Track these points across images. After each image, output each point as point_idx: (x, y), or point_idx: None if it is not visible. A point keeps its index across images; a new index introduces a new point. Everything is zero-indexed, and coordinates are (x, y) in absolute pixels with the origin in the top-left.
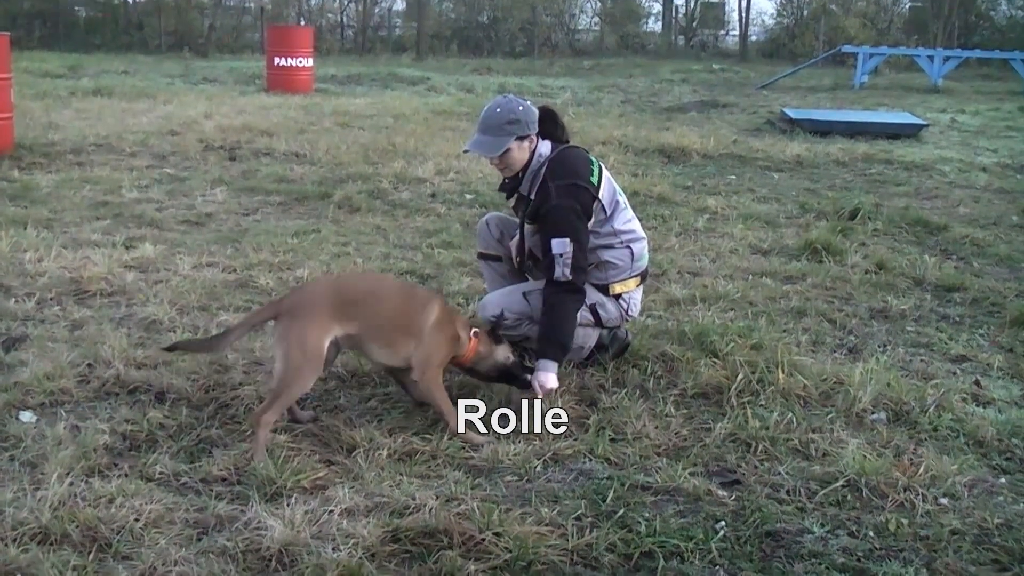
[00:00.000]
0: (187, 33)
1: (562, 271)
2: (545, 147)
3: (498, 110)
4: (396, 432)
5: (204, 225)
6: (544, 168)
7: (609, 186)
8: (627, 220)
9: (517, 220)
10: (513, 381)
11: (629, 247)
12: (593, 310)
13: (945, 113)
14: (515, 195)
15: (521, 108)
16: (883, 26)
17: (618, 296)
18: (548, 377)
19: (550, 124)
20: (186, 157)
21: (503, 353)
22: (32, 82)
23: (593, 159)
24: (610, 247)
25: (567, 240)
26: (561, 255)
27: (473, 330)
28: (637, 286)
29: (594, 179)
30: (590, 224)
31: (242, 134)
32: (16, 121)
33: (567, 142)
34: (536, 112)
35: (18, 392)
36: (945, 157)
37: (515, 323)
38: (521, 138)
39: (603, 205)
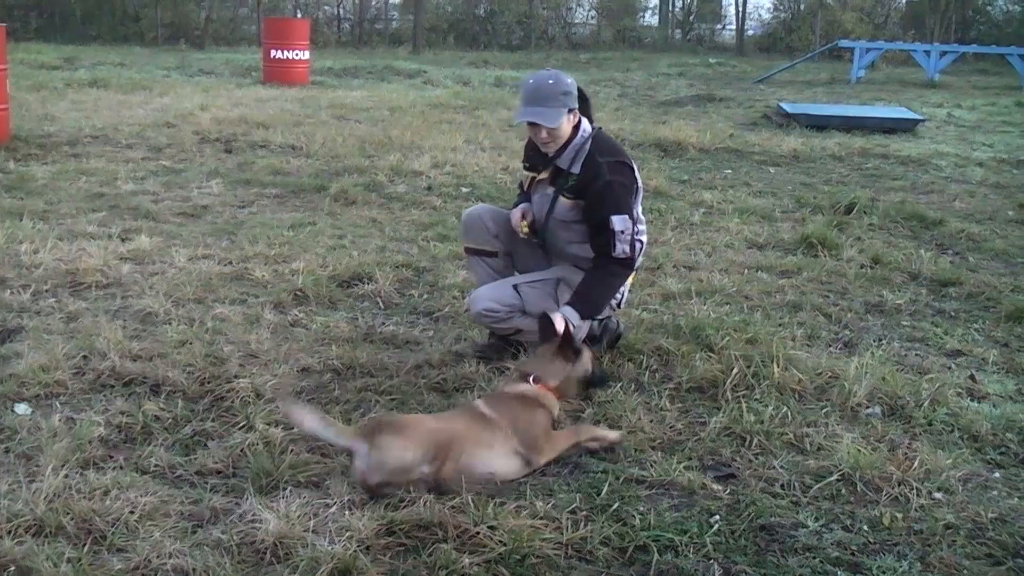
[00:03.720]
0: (183, 25)
1: (623, 248)
2: (586, 123)
3: (550, 81)
4: None
5: (200, 217)
6: (589, 143)
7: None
8: (640, 211)
9: (506, 210)
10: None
11: (640, 240)
12: None
13: (942, 108)
14: (545, 169)
15: (570, 81)
16: (880, 21)
17: None
18: (557, 319)
19: (584, 104)
20: (182, 149)
21: (582, 368)
22: (28, 73)
23: None
24: None
25: (626, 217)
26: (622, 231)
27: (532, 377)
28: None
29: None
30: None
31: (238, 126)
32: (12, 112)
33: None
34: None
35: (13, 384)
36: (941, 152)
37: (507, 316)
38: (571, 110)
39: (639, 187)
